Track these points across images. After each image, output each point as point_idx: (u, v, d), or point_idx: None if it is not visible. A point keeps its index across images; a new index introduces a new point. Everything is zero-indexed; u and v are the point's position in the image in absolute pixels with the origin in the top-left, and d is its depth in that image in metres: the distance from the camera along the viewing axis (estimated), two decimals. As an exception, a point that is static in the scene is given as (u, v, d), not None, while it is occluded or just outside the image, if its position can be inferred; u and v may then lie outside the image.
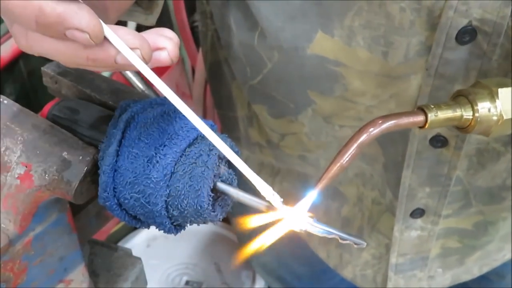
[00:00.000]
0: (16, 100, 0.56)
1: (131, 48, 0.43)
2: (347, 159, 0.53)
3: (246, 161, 0.94)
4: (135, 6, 0.62)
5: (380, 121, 0.55)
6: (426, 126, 0.57)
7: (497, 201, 0.89)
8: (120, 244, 1.38)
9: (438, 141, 0.77)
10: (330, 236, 0.49)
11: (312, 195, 0.51)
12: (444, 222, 0.89)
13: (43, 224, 0.57)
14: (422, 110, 0.57)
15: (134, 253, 0.71)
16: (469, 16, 0.65)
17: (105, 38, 0.43)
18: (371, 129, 0.55)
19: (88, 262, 0.67)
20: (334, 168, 0.53)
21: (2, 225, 0.54)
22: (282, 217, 0.49)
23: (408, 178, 0.82)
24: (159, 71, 1.51)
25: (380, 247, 0.96)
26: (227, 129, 1.05)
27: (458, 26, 0.65)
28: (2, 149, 0.53)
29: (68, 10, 0.41)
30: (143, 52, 0.43)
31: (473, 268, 1.01)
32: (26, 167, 0.53)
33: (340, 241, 0.49)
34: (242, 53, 0.83)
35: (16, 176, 0.53)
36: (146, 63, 0.44)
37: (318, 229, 0.49)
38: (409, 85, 0.73)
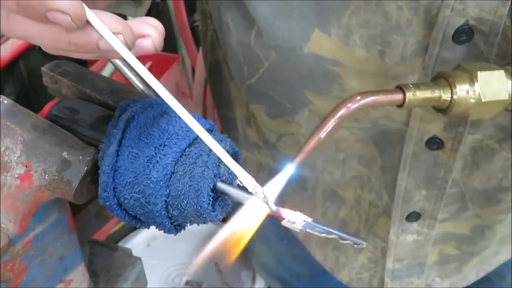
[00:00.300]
0: (16, 100, 0.56)
1: (114, 33, 0.42)
2: (325, 133, 0.54)
3: (245, 162, 0.94)
4: None
5: (358, 97, 0.56)
6: (405, 105, 0.58)
7: (494, 203, 0.88)
8: (120, 244, 1.38)
9: (435, 143, 0.77)
10: (330, 236, 0.49)
11: (289, 169, 0.51)
12: (441, 226, 0.89)
13: (43, 224, 0.57)
14: (401, 88, 0.58)
15: (134, 253, 0.71)
16: (466, 15, 0.65)
17: (88, 23, 0.42)
18: (350, 104, 0.55)
19: (88, 262, 0.67)
20: (312, 142, 0.54)
21: (2, 225, 0.54)
22: (262, 199, 0.48)
23: (404, 181, 0.82)
24: (159, 71, 1.51)
25: (377, 251, 0.96)
26: (226, 129, 1.05)
27: (455, 25, 0.65)
28: (2, 149, 0.53)
29: None
30: (125, 37, 0.43)
31: (470, 274, 1.00)
32: (26, 167, 0.53)
33: (340, 241, 0.49)
34: (240, 52, 0.83)
35: (16, 176, 0.53)
36: (129, 49, 0.43)
37: (318, 229, 0.49)
38: None
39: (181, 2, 1.53)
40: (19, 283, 0.57)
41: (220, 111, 1.05)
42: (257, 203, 0.48)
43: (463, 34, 0.66)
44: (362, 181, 0.90)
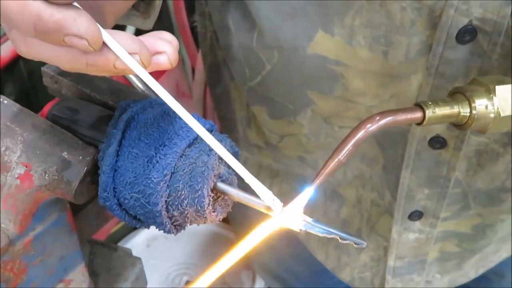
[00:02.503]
0: (16, 100, 0.56)
1: (130, 53, 0.43)
2: (345, 155, 0.53)
3: (245, 162, 0.94)
4: (132, 10, 0.62)
5: (377, 117, 0.55)
6: (424, 123, 0.57)
7: (496, 203, 0.88)
8: (120, 244, 1.38)
9: (437, 142, 0.77)
10: (330, 236, 0.49)
11: (309, 191, 0.51)
12: (443, 225, 0.89)
13: (43, 224, 0.57)
14: (420, 106, 0.57)
15: (134, 253, 0.71)
16: (470, 16, 0.65)
17: (104, 44, 0.43)
18: (369, 125, 0.55)
19: (88, 262, 0.67)
20: (332, 164, 0.53)
21: (2, 225, 0.54)
22: (281, 218, 0.49)
23: (407, 179, 0.82)
24: (159, 71, 1.50)
25: (379, 249, 0.96)
26: (226, 130, 1.05)
27: (458, 25, 0.66)
28: (2, 149, 0.53)
29: (67, 16, 0.40)
30: (142, 57, 0.43)
31: (470, 271, 1.00)
32: (26, 167, 0.53)
33: (340, 240, 0.49)
34: (241, 54, 0.83)
35: (16, 176, 0.53)
36: (145, 67, 0.44)
37: (318, 229, 0.49)
38: (409, 85, 0.73)
39: (181, 2, 1.53)
40: (19, 283, 0.57)
41: (220, 112, 1.05)
42: (279, 217, 0.48)
43: (467, 34, 0.66)
44: (364, 180, 0.90)
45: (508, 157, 0.81)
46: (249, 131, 0.98)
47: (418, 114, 0.57)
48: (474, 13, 0.65)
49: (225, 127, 1.05)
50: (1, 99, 0.55)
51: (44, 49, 0.44)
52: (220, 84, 1.00)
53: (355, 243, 0.49)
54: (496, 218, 0.91)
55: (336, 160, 0.53)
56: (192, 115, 0.55)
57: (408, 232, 0.89)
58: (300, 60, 0.76)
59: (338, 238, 0.49)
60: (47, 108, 0.59)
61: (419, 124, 0.57)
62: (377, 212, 0.92)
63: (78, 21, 0.41)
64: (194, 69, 1.60)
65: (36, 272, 0.58)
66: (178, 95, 1.53)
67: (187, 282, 1.33)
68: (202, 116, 1.14)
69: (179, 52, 1.69)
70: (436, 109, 0.57)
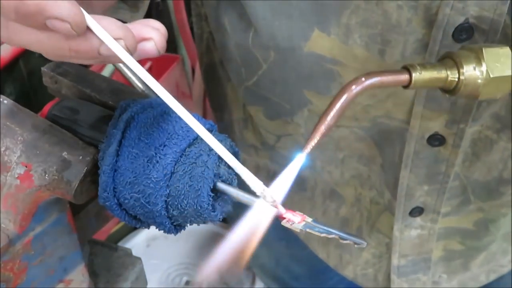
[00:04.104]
0: (16, 100, 0.56)
1: (115, 39, 0.42)
2: (333, 118, 0.53)
3: (243, 164, 0.94)
4: (120, 3, 0.61)
5: (363, 78, 0.55)
6: (411, 86, 0.56)
7: (496, 196, 0.89)
8: (120, 244, 1.38)
9: (436, 140, 0.77)
10: (330, 236, 0.49)
11: (300, 158, 0.50)
12: (444, 221, 0.89)
13: (43, 224, 0.57)
14: (407, 69, 0.56)
15: (134, 253, 0.71)
16: (466, 14, 0.65)
17: (88, 29, 0.41)
18: (354, 86, 0.54)
19: (88, 262, 0.67)
20: (321, 128, 0.52)
21: (2, 225, 0.54)
22: (272, 204, 0.48)
23: (406, 178, 0.82)
24: (159, 71, 1.51)
25: (381, 246, 0.96)
26: (222, 131, 1.04)
27: (455, 24, 0.66)
28: (2, 149, 0.53)
29: None
30: (127, 43, 0.42)
31: (480, 275, 1.00)
32: (26, 167, 0.53)
33: (340, 241, 0.49)
34: (237, 54, 0.83)
35: (16, 176, 0.53)
36: (131, 54, 0.43)
37: (318, 229, 0.49)
38: None
39: (181, 2, 1.53)
40: (19, 283, 0.57)
41: (216, 113, 1.05)
42: (265, 207, 0.47)
43: (463, 32, 0.66)
44: (362, 179, 0.90)
45: (502, 144, 0.81)
46: (245, 132, 0.98)
47: (404, 76, 0.56)
48: (470, 11, 0.65)
49: (222, 129, 1.05)
50: (1, 99, 0.55)
51: (26, 35, 0.42)
52: (217, 85, 1.00)
53: (355, 243, 0.49)
54: (498, 212, 0.92)
55: (325, 123, 0.53)
56: (192, 115, 0.55)
57: (410, 229, 0.89)
58: (297, 60, 0.76)
59: (338, 238, 0.49)
60: (47, 108, 0.59)
61: (406, 87, 0.57)
62: (377, 210, 0.92)
63: (60, 3, 0.39)
64: (194, 69, 1.60)
65: (36, 272, 0.58)
66: (178, 95, 1.53)
67: (187, 282, 1.33)
68: (202, 116, 1.14)
69: (179, 52, 1.70)
70: (423, 71, 0.56)
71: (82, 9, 0.41)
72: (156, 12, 1.55)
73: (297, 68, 0.77)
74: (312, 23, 0.71)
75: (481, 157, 0.82)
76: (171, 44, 1.60)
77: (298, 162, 0.50)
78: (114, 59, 0.43)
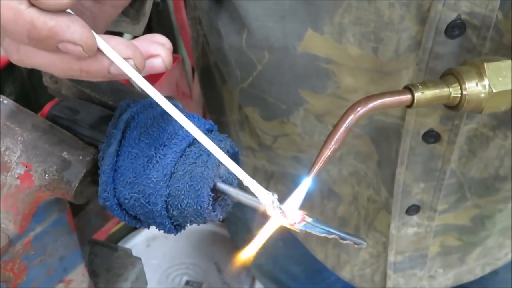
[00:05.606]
0: (16, 100, 0.56)
1: (124, 58, 0.43)
2: (338, 142, 0.53)
3: (240, 166, 0.94)
4: (122, 16, 0.62)
5: (366, 101, 0.55)
6: (414, 105, 0.57)
7: (492, 192, 0.89)
8: (120, 244, 1.38)
9: (431, 137, 0.78)
10: (330, 236, 0.49)
11: (306, 183, 0.51)
12: (441, 218, 0.90)
13: (43, 224, 0.57)
14: (409, 89, 0.57)
15: (134, 253, 0.71)
16: (458, 10, 0.65)
17: (98, 49, 0.43)
18: (358, 108, 0.54)
19: (88, 262, 0.67)
20: (326, 152, 0.53)
21: (2, 225, 0.54)
22: (281, 215, 0.49)
23: (402, 175, 0.82)
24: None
25: (378, 246, 0.96)
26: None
27: (447, 20, 0.66)
28: (2, 149, 0.53)
29: (60, 23, 0.40)
30: (136, 62, 0.43)
31: (476, 268, 1.00)
32: (26, 167, 0.53)
33: (340, 241, 0.49)
34: (232, 56, 0.83)
35: (16, 176, 0.53)
36: (140, 71, 0.44)
37: (318, 229, 0.49)
38: (400, 81, 0.74)
39: (181, 2, 1.53)
40: (19, 283, 0.57)
41: (213, 116, 1.05)
42: (278, 217, 0.48)
43: (456, 28, 0.66)
44: (359, 177, 0.90)
45: (499, 141, 0.81)
46: (242, 134, 0.99)
47: (407, 96, 0.56)
48: (462, 7, 0.65)
49: (218, 131, 1.05)
50: (1, 99, 0.55)
51: (38, 57, 0.43)
52: (212, 87, 1.01)
53: (355, 243, 0.49)
54: (494, 208, 0.92)
55: (330, 147, 0.53)
56: (193, 116, 0.55)
57: (407, 227, 0.89)
58: (291, 60, 0.76)
59: (338, 238, 0.49)
60: (47, 108, 0.59)
61: (409, 106, 0.57)
62: (374, 208, 0.92)
63: (72, 28, 0.41)
64: (194, 69, 1.60)
65: (36, 272, 0.58)
66: (178, 95, 1.53)
67: (187, 282, 1.33)
68: (202, 116, 1.14)
69: (179, 52, 1.69)
70: (425, 90, 0.56)
71: (92, 31, 0.42)
72: (156, 12, 1.55)
73: (291, 68, 0.77)
74: (305, 23, 0.72)
75: (478, 154, 0.82)
76: (171, 44, 1.60)
77: (304, 186, 0.50)
78: (124, 77, 0.44)
